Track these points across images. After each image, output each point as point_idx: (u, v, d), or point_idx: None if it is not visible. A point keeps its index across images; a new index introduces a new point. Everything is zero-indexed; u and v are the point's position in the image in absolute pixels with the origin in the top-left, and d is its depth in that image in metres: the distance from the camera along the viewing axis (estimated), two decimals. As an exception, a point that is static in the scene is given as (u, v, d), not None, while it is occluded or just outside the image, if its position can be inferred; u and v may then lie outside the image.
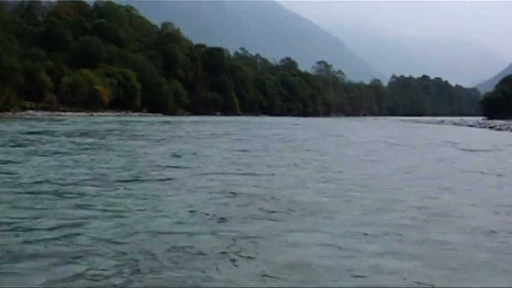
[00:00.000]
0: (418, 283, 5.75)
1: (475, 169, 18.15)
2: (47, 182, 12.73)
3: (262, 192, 11.88)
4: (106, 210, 9.53)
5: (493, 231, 8.26)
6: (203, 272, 6.03)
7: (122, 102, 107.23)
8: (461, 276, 5.95)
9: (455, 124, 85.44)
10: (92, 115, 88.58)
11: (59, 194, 11.04)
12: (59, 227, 8.08)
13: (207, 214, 9.26)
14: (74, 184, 12.44)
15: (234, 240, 7.44)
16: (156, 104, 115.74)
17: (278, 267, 6.24)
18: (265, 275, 5.97)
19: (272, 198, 11.13)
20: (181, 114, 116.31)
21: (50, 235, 7.54)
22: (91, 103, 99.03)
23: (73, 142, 26.80)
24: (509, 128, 59.41)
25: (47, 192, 11.23)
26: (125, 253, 6.76)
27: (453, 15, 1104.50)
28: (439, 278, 5.90)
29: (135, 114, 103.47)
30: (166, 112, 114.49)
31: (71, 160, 18.04)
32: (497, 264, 6.45)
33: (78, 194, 11.12)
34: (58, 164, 16.91)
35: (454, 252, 7.01)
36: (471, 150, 27.27)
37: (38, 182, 12.56)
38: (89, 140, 29.55)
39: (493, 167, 18.90)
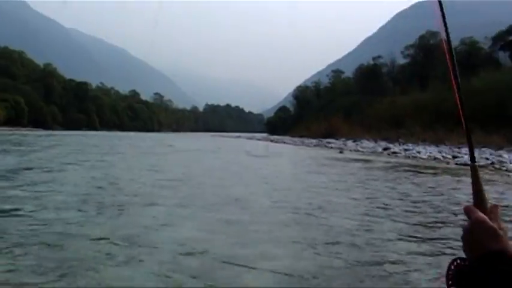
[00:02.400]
0: (222, 241, 5.51)
1: (259, 166, 19.09)
2: None
3: (112, 185, 11.21)
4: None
5: (267, 210, 8.28)
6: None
7: (13, 120, 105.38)
8: (245, 241, 5.90)
9: (248, 138, 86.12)
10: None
11: None
12: None
13: (73, 198, 8.31)
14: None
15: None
16: (38, 122, 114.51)
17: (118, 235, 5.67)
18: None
19: (120, 189, 10.58)
20: (57, 129, 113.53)
21: None
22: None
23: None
24: (283, 141, 63.09)
25: None
26: None
27: (246, 65, 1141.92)
28: (232, 244, 5.78)
29: (23, 129, 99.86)
30: (46, 128, 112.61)
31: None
32: (270, 233, 6.41)
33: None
34: None
35: (243, 226, 6.89)
36: (257, 156, 28.46)
37: None
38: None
39: (268, 165, 20.22)
